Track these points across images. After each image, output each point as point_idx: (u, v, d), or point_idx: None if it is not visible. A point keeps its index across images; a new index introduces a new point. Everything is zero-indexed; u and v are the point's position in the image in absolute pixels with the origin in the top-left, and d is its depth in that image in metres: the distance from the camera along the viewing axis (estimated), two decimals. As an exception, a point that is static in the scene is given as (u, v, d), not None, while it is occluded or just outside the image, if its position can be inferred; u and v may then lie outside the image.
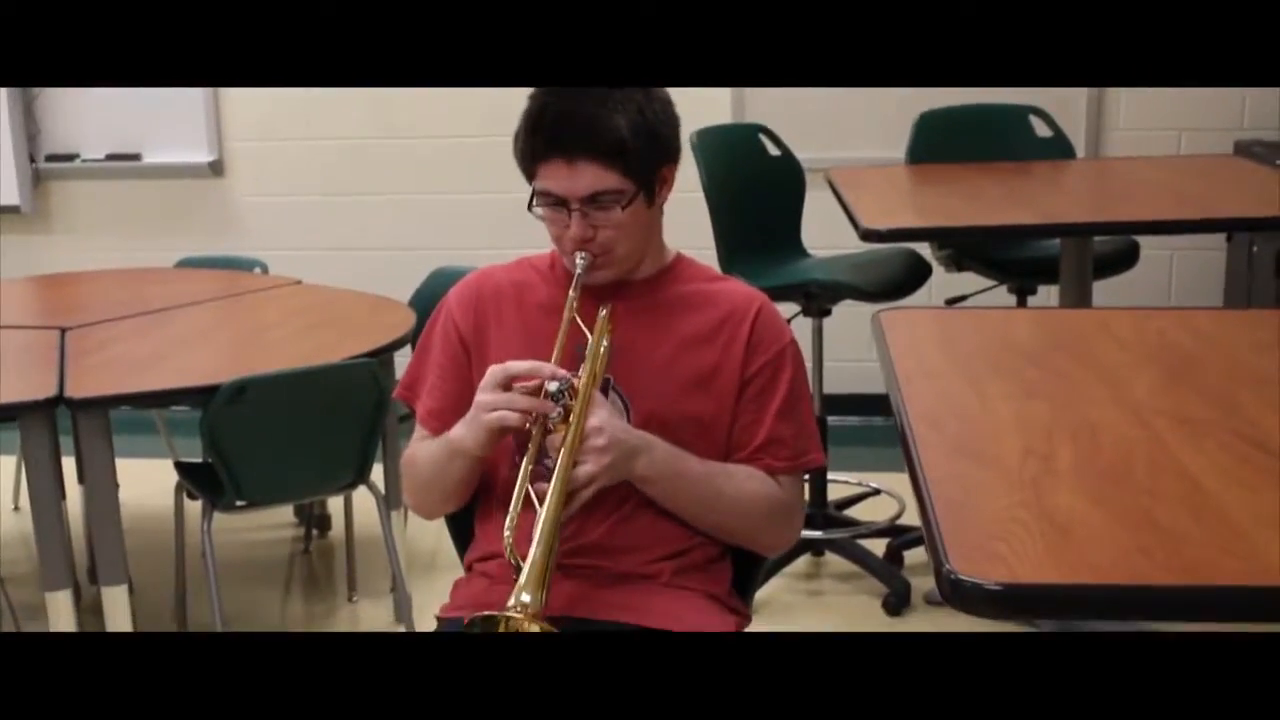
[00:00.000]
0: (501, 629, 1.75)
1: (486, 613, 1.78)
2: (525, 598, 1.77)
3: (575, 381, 1.93)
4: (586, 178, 1.97)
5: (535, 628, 1.74)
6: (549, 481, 1.88)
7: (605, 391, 2.03)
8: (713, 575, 2.11)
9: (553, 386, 1.91)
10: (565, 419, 1.91)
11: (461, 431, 1.99)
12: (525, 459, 1.92)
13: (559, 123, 1.97)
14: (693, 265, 2.18)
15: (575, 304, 2.02)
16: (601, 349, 2.02)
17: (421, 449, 2.13)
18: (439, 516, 2.22)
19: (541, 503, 1.86)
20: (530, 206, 2.04)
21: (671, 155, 2.07)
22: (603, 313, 2.05)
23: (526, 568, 1.80)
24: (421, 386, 2.19)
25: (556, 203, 2.00)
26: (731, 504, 2.05)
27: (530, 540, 1.83)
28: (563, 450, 1.89)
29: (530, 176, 2.03)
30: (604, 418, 1.93)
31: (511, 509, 1.89)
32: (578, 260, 2.01)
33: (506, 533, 1.87)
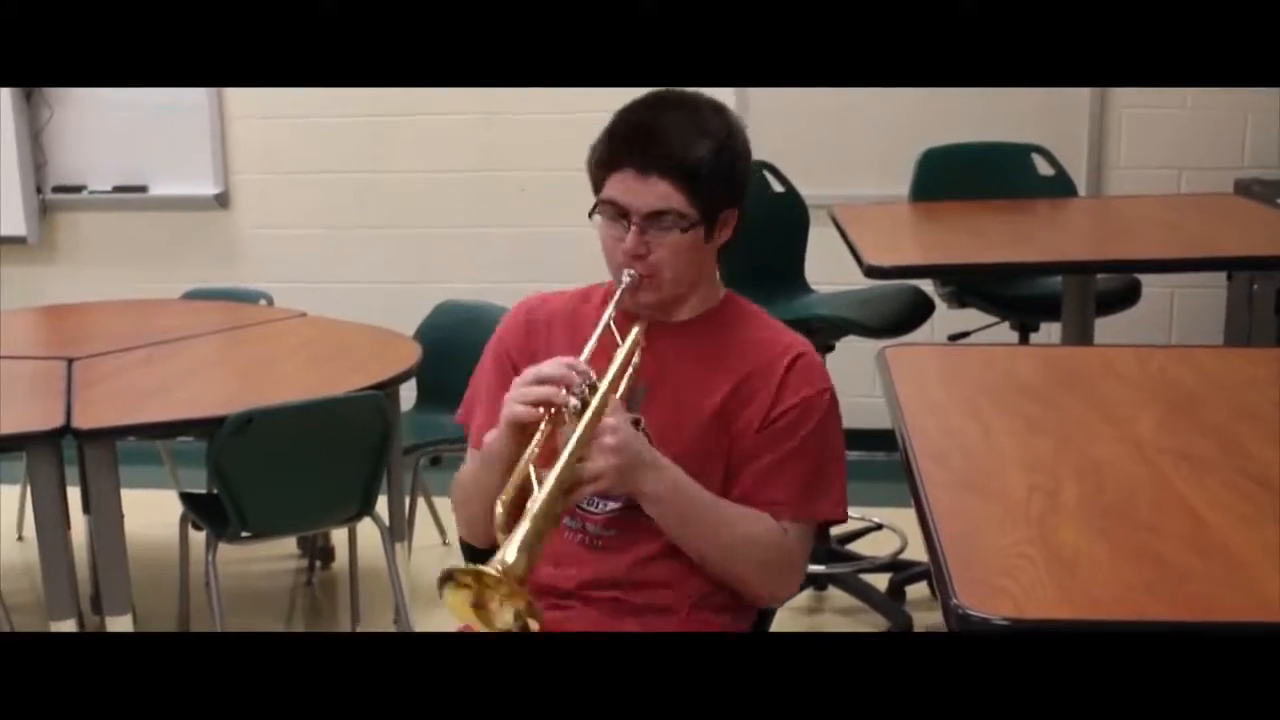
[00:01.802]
0: (473, 584, 1.70)
1: (467, 566, 1.73)
2: (509, 558, 1.72)
3: (595, 379, 1.93)
4: (655, 193, 1.98)
5: (508, 589, 1.70)
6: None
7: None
8: (735, 621, 2.09)
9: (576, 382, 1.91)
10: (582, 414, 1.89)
11: (491, 435, 1.99)
12: (532, 443, 1.89)
13: (640, 134, 2.00)
14: (743, 308, 2.19)
15: (614, 319, 2.02)
16: (632, 360, 2.01)
17: (465, 466, 2.14)
18: (486, 539, 2.08)
19: (541, 486, 1.83)
20: (591, 214, 2.06)
21: (738, 198, 2.08)
22: (636, 329, 2.05)
23: (517, 534, 1.76)
24: (474, 410, 2.19)
25: (619, 214, 2.02)
26: (730, 540, 2.01)
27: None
28: (572, 438, 1.87)
29: (600, 185, 2.04)
30: (621, 420, 1.92)
31: (508, 486, 1.86)
32: (624, 277, 2.02)
33: (499, 506, 1.85)
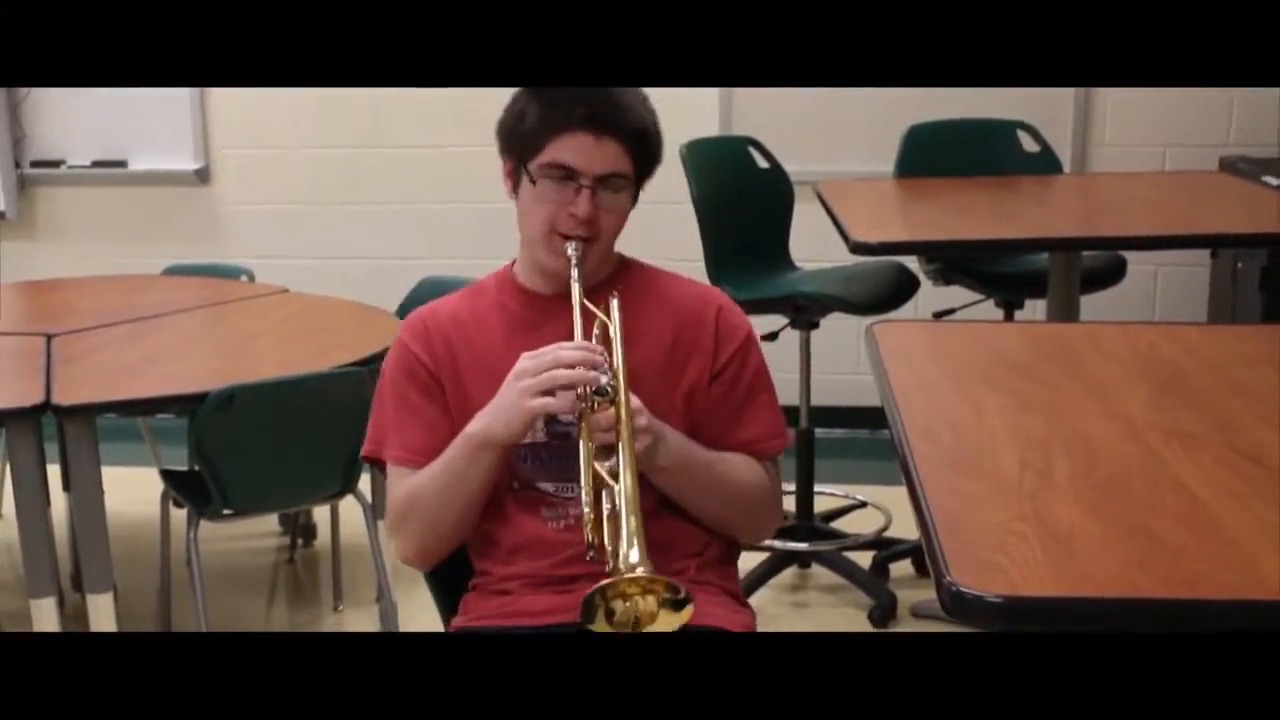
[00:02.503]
0: (623, 593, 1.68)
1: (608, 581, 1.69)
2: (634, 557, 1.72)
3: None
4: (610, 155, 1.98)
5: (642, 585, 1.69)
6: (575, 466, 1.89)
7: None
8: (726, 573, 2.13)
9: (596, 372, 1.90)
10: (601, 400, 1.88)
11: (488, 421, 1.95)
12: (583, 437, 1.89)
13: (597, 97, 1.98)
14: (644, 267, 2.19)
15: (580, 292, 2.00)
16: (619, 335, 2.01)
17: (421, 475, 2.05)
18: (451, 547, 2.11)
19: (615, 479, 1.83)
20: (528, 182, 2.01)
21: (658, 163, 2.10)
22: (614, 301, 2.05)
23: (624, 530, 1.75)
24: (389, 437, 2.11)
25: (567, 176, 1.99)
26: (732, 491, 2.07)
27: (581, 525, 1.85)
28: (622, 425, 1.85)
29: (532, 150, 2.00)
30: (639, 402, 1.92)
31: (585, 487, 1.86)
32: (569, 250, 2.00)
33: (586, 509, 1.85)
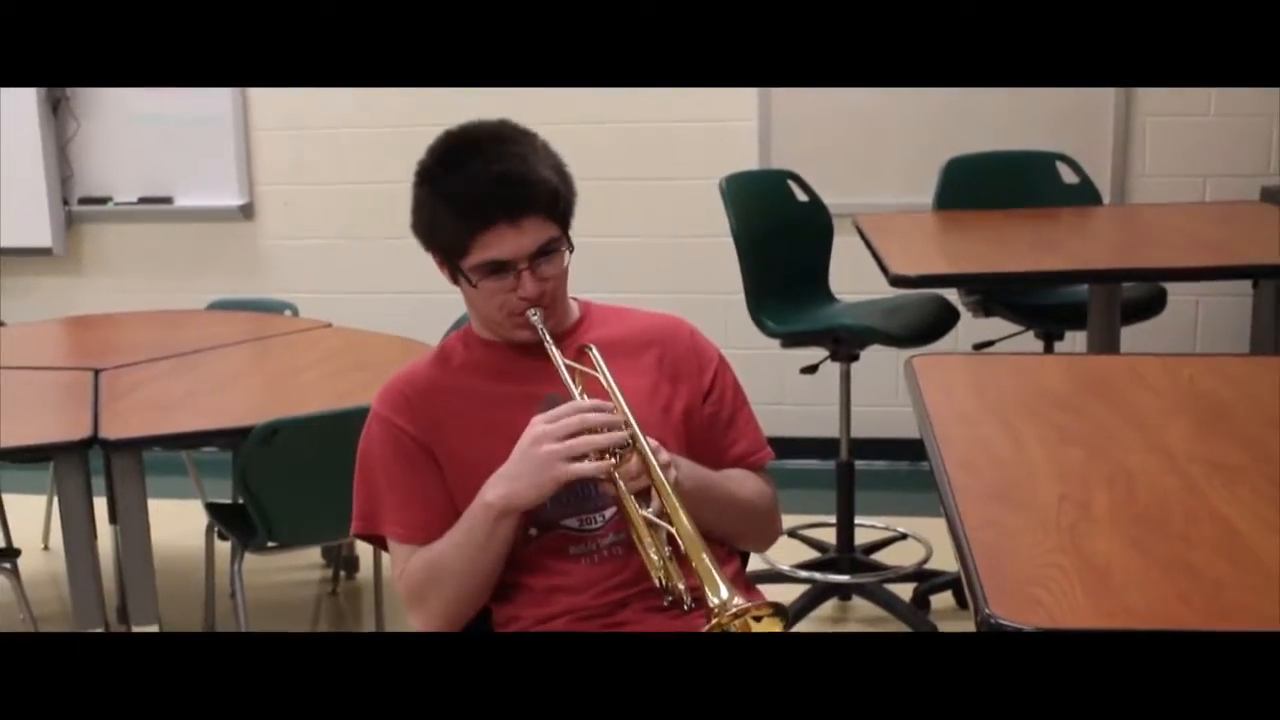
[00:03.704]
0: (728, 627, 1.76)
1: (722, 625, 1.76)
2: (724, 593, 1.78)
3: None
4: (534, 233, 1.98)
5: (761, 609, 1.78)
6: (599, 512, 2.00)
7: None
8: (735, 581, 2.10)
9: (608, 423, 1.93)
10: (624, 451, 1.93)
11: (510, 488, 1.94)
12: (619, 493, 1.91)
13: (497, 188, 1.96)
14: (599, 306, 2.22)
15: (559, 356, 2.03)
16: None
17: (437, 548, 2.03)
18: (477, 610, 2.08)
19: (665, 520, 1.89)
20: (466, 283, 2.03)
21: (574, 198, 2.09)
22: (594, 352, 2.06)
23: (703, 569, 1.82)
24: (383, 512, 2.09)
25: (500, 269, 1.99)
26: (743, 504, 2.12)
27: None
28: (653, 470, 1.89)
29: (458, 253, 2.01)
30: (655, 441, 1.95)
31: (644, 541, 1.91)
32: (532, 318, 2.02)
33: (656, 558, 1.90)
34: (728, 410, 2.16)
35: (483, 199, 1.96)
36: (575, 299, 2.20)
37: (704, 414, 2.14)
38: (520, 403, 2.04)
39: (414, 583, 2.06)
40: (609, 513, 2.04)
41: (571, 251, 2.06)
